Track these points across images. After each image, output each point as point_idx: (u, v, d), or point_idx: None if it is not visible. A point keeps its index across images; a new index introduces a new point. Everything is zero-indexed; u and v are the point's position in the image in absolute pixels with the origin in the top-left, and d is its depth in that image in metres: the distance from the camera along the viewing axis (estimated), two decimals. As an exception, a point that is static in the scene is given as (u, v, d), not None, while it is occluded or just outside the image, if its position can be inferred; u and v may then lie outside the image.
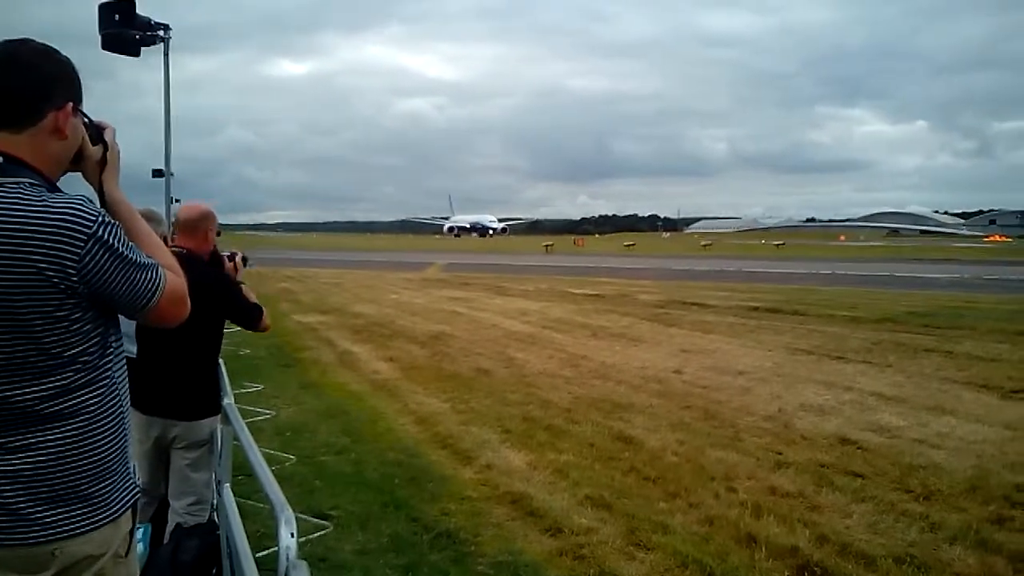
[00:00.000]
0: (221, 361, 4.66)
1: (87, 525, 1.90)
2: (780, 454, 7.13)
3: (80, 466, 1.89)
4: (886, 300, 21.32)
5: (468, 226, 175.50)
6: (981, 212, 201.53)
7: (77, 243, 1.80)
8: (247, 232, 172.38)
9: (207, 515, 4.30)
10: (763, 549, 5.02)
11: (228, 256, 4.90)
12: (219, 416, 4.34)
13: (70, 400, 1.87)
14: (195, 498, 4.23)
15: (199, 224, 4.34)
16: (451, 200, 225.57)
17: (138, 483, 2.09)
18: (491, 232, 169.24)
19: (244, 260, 5.21)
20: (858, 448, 7.32)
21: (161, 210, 9.25)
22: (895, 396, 9.49)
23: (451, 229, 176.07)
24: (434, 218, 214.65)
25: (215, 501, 4.28)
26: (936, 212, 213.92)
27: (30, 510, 1.83)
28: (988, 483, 6.32)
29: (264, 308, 4.59)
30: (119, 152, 2.16)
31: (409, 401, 9.45)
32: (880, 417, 8.45)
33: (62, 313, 1.83)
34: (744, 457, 7.05)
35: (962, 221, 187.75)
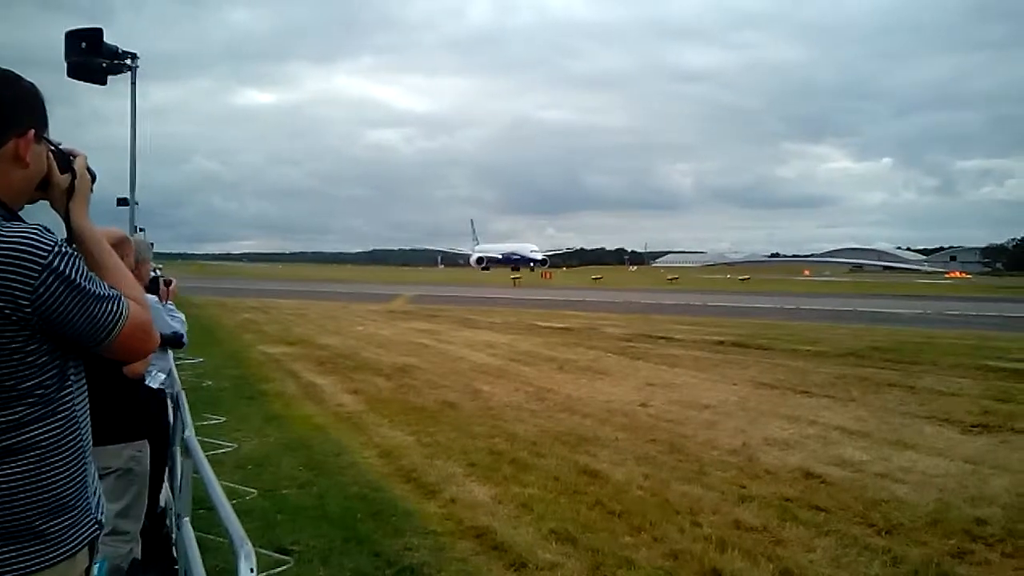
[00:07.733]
0: (182, 392, 4.59)
1: (41, 563, 1.81)
2: (744, 488, 7.15)
3: (34, 502, 1.81)
4: (849, 335, 21.61)
5: (501, 257, 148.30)
6: (942, 249, 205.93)
7: (31, 274, 1.72)
8: (212, 262, 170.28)
9: (128, 548, 4.11)
10: (728, 584, 5.02)
11: (164, 281, 4.91)
12: (139, 443, 4.12)
13: (24, 434, 1.79)
14: (109, 528, 4.07)
15: (118, 248, 4.26)
16: (473, 226, 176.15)
17: (99, 518, 1.99)
18: (532, 265, 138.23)
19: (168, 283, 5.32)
20: (822, 482, 7.36)
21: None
22: (858, 430, 9.58)
23: (479, 260, 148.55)
24: (452, 249, 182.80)
25: (175, 535, 4.18)
26: (899, 248, 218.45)
27: None
28: (949, 517, 6.39)
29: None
30: (91, 181, 2.12)
31: (374, 434, 9.36)
32: (843, 451, 8.52)
33: (15, 345, 1.76)
34: (709, 491, 7.06)
35: (924, 257, 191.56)
